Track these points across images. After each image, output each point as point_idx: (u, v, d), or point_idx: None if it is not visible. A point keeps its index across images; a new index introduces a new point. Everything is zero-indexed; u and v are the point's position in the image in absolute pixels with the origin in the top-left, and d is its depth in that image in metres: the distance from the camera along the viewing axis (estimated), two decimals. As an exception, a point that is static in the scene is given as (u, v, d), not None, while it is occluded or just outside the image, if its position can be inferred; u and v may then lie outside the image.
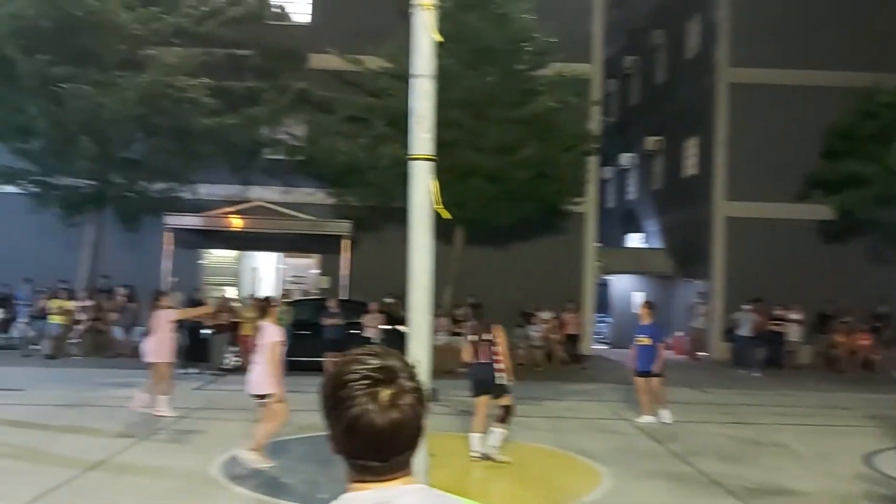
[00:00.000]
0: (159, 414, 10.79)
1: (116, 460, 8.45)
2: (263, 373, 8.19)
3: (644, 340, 11.52)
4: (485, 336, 9.01)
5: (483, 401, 8.95)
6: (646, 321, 11.62)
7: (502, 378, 8.95)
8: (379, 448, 1.48)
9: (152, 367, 11.08)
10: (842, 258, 20.75)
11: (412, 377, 1.53)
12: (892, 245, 19.63)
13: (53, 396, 12.33)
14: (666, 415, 11.42)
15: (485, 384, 8.94)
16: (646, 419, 11.39)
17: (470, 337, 9.07)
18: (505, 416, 8.85)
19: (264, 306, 8.82)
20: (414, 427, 1.50)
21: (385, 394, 1.47)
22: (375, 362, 1.51)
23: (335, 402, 1.49)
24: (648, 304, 11.98)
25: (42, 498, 6.93)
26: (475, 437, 8.89)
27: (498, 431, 8.82)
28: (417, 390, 1.52)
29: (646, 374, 11.40)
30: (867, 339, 19.78)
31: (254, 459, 8.03)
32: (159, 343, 11.10)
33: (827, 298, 20.23)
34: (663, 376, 11.57)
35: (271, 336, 8.28)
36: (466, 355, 9.14)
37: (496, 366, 8.93)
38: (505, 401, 8.89)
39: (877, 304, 20.65)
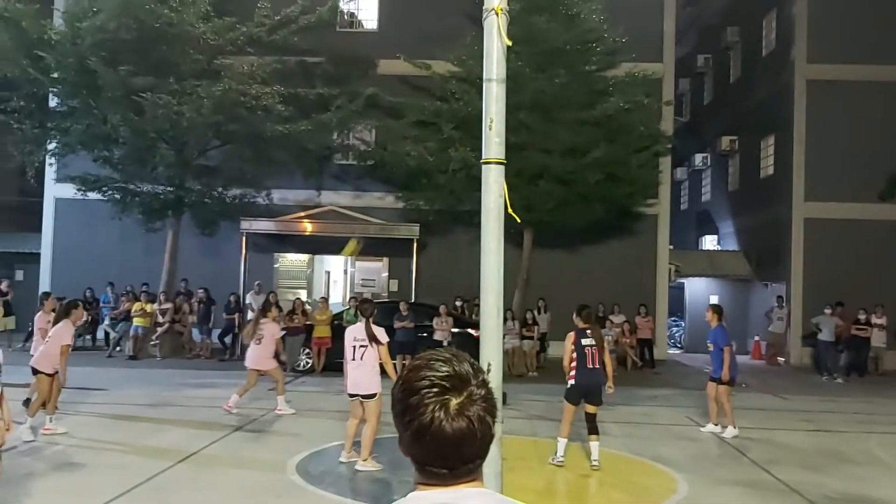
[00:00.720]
0: (280, 412, 11.43)
1: (198, 457, 8.68)
2: (374, 372, 8.41)
3: (709, 345, 11.21)
4: (597, 341, 8.94)
5: (574, 408, 8.85)
6: (712, 325, 11.24)
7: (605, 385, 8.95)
8: (446, 456, 1.46)
9: (252, 372, 11.61)
10: (929, 260, 19.97)
11: (483, 384, 1.49)
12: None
13: (137, 396, 12.77)
14: (722, 428, 10.95)
15: (591, 390, 8.82)
16: (710, 427, 11.08)
17: (586, 342, 8.85)
18: (595, 426, 8.76)
19: (369, 308, 8.79)
20: (483, 436, 1.46)
21: (454, 403, 1.45)
22: (446, 369, 1.48)
23: (405, 407, 1.47)
24: (713, 308, 11.46)
25: (131, 492, 7.18)
26: (562, 443, 8.81)
27: (595, 445, 8.72)
28: (488, 399, 1.49)
29: (716, 380, 11.06)
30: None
31: (370, 466, 8.29)
32: (263, 352, 11.63)
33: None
34: (730, 385, 10.95)
35: (384, 337, 8.50)
36: (569, 360, 8.86)
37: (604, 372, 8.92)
38: (592, 409, 8.81)
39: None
